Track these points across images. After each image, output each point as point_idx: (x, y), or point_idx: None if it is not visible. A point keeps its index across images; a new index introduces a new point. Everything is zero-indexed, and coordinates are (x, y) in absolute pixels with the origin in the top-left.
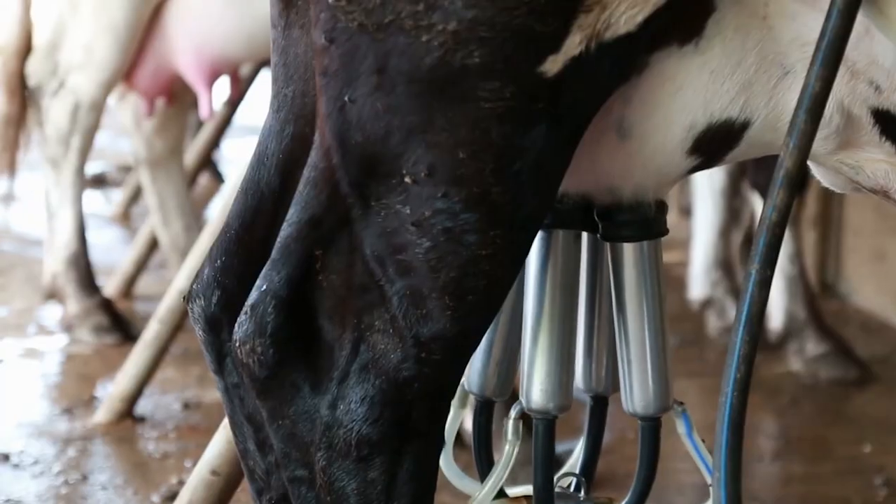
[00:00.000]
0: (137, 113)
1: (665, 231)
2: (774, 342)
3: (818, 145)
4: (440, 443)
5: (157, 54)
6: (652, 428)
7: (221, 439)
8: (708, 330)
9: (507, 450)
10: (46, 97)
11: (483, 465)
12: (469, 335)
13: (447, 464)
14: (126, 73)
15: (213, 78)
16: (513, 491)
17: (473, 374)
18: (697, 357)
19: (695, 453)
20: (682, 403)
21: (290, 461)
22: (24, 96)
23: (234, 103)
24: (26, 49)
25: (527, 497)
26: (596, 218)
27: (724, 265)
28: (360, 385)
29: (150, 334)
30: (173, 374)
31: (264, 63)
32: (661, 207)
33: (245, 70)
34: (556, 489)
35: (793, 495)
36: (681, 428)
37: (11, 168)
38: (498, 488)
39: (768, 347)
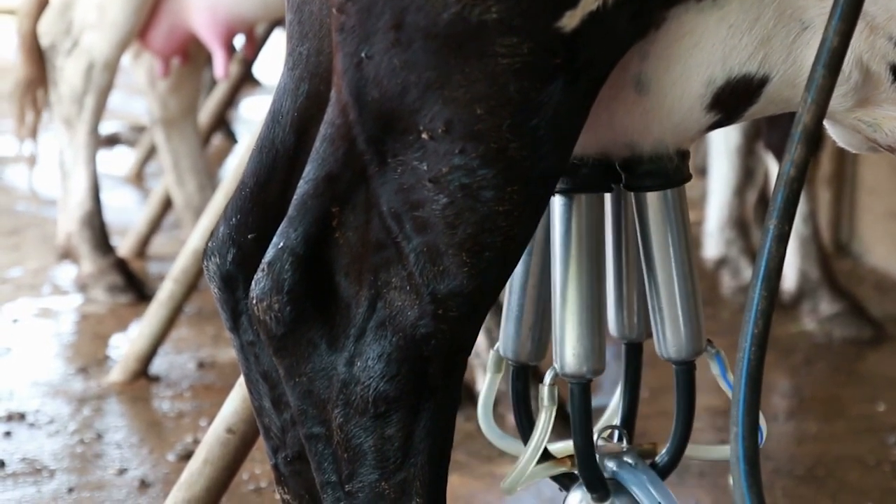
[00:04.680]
0: (152, 72)
1: (688, 177)
2: (788, 302)
3: (836, 102)
4: (457, 399)
5: (171, 13)
6: (686, 372)
7: (237, 397)
8: (722, 289)
9: (544, 416)
10: (60, 57)
11: (524, 429)
12: (485, 291)
13: (488, 426)
14: (140, 32)
15: (228, 37)
16: (556, 448)
17: (507, 339)
18: (712, 316)
19: (730, 392)
20: (714, 345)
21: (307, 418)
22: (42, 58)
23: (248, 62)
24: (42, 10)
25: (571, 457)
26: (619, 169)
27: (739, 224)
28: (377, 342)
29: (165, 294)
30: (188, 334)
31: (278, 22)
32: (683, 155)
33: (259, 29)
34: (599, 442)
35: (806, 454)
36: (714, 369)
37: (33, 130)
38: (539, 454)
39: (782, 307)
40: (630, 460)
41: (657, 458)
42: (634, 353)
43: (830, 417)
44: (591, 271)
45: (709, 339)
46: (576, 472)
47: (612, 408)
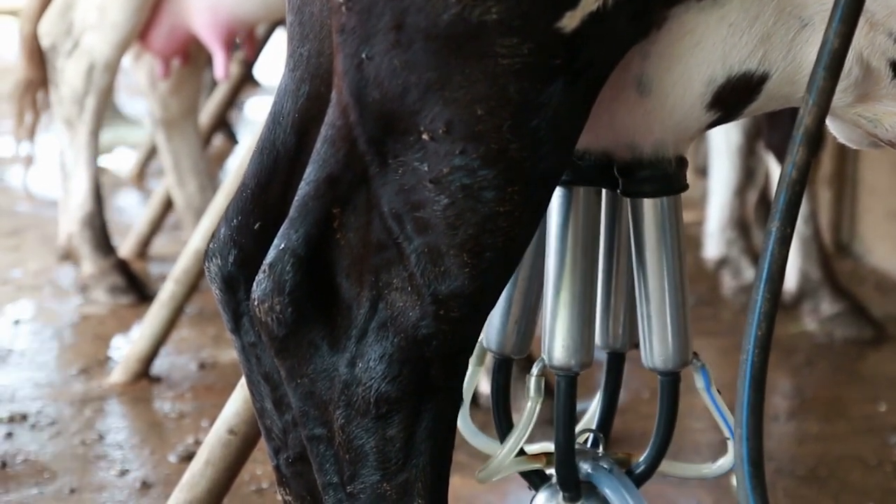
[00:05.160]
0: (152, 73)
1: (685, 186)
2: (789, 302)
3: (837, 98)
4: (458, 400)
5: (172, 14)
6: (671, 383)
7: (238, 398)
8: (723, 289)
9: (530, 406)
10: (61, 58)
11: (502, 424)
12: (487, 292)
13: (464, 422)
14: (141, 33)
15: (228, 38)
16: (531, 448)
17: (492, 331)
18: (712, 316)
19: (713, 408)
20: (700, 358)
21: (309, 419)
22: (43, 59)
23: (248, 63)
24: (43, 11)
25: (546, 454)
26: (616, 174)
27: (740, 224)
28: (378, 343)
29: (166, 294)
30: (189, 335)
31: (279, 23)
32: (681, 163)
33: (259, 30)
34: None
35: (808, 454)
36: (699, 383)
37: (32, 131)
38: (520, 446)
39: (783, 307)
40: (605, 465)
41: (633, 467)
42: (616, 363)
43: (832, 418)
44: (585, 264)
45: (695, 353)
46: (548, 471)
47: (589, 413)
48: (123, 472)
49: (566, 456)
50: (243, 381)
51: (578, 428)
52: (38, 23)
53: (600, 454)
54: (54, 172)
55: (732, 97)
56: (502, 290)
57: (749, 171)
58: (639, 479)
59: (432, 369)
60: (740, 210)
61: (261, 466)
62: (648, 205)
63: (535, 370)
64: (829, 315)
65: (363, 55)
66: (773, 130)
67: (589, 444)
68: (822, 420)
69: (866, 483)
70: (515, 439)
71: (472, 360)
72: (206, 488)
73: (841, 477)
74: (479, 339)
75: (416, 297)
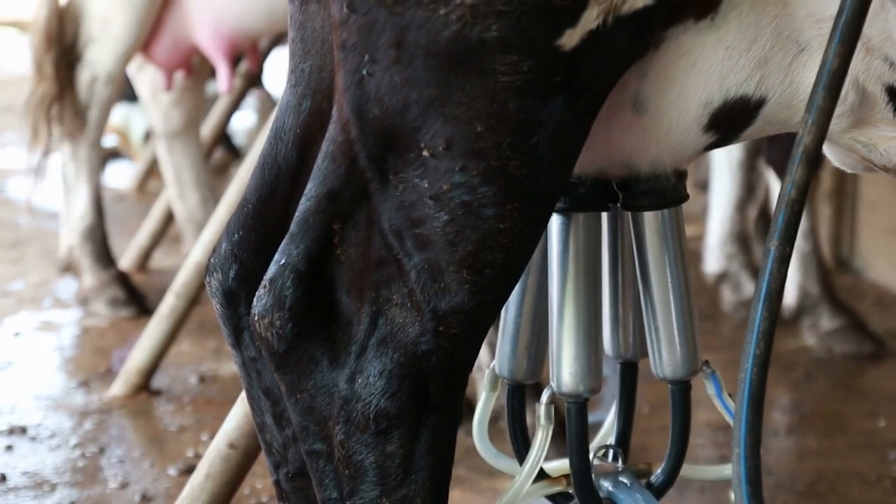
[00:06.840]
0: (154, 85)
1: (685, 197)
2: (789, 317)
3: (832, 123)
4: (458, 415)
5: (175, 27)
6: (682, 391)
7: (239, 412)
8: (723, 304)
9: (541, 435)
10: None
11: (520, 448)
12: (486, 309)
13: (483, 444)
14: (144, 45)
15: (231, 51)
16: (551, 467)
17: (503, 358)
18: (712, 331)
19: (725, 413)
20: (710, 365)
21: (309, 435)
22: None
23: (251, 77)
24: (53, 23)
25: (566, 475)
26: (615, 188)
27: (740, 239)
28: (378, 359)
29: (166, 307)
30: (189, 348)
31: (282, 37)
32: (681, 175)
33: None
34: (594, 461)
35: (807, 470)
36: (710, 389)
37: (46, 142)
38: (535, 473)
39: (782, 323)
40: (625, 480)
41: (652, 478)
42: (630, 373)
43: (831, 433)
44: (588, 290)
45: (705, 360)
46: (571, 491)
47: (606, 427)
48: (123, 486)
49: (583, 479)
50: (244, 394)
51: (596, 443)
52: (47, 36)
53: (620, 469)
54: (56, 185)
55: (729, 120)
56: (502, 306)
57: (750, 186)
58: (659, 490)
59: (432, 385)
60: (741, 225)
61: (261, 480)
62: (649, 217)
63: (544, 398)
64: (828, 330)
65: (364, 71)
66: (773, 146)
67: (609, 459)
68: (822, 435)
69: (865, 499)
70: (529, 468)
71: (485, 387)
72: (206, 502)
73: (840, 492)
74: (492, 366)
75: (416, 313)
